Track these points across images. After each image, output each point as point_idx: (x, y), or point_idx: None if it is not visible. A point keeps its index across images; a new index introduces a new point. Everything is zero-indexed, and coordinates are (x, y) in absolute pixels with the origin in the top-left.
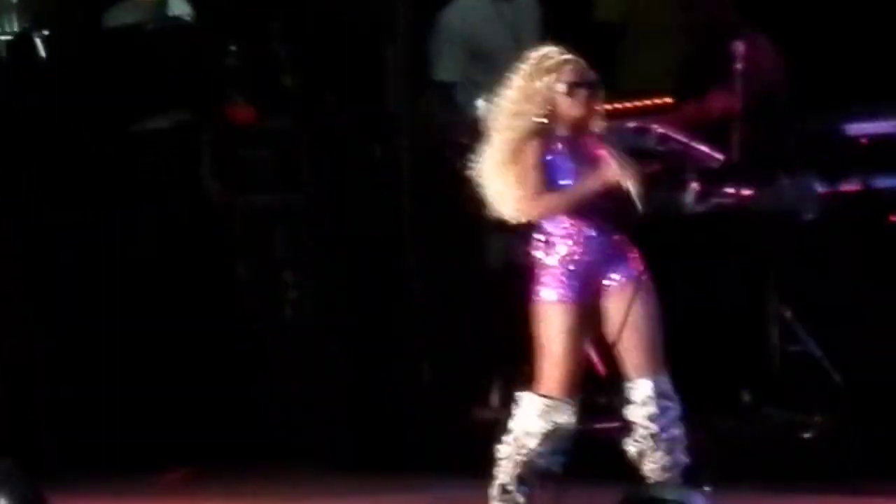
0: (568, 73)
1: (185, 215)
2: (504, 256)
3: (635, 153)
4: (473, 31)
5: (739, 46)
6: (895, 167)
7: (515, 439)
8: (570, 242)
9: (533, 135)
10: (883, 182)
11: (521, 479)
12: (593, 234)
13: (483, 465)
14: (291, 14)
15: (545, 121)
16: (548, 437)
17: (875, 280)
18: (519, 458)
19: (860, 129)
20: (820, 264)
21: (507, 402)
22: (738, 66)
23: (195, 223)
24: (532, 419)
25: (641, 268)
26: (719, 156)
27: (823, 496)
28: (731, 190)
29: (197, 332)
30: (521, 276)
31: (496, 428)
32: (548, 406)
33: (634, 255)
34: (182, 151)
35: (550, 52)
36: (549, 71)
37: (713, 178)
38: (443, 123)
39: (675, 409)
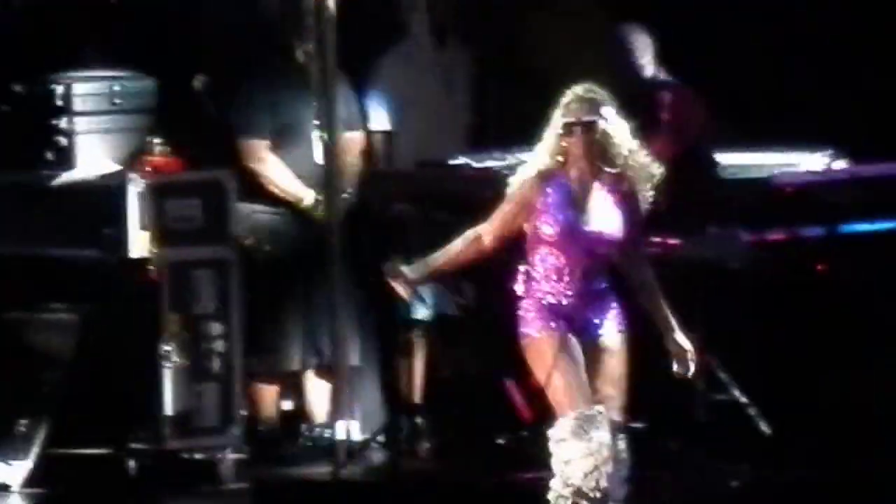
0: (567, 112)
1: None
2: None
3: None
4: (407, 78)
5: (666, 96)
6: (821, 216)
7: (561, 476)
8: (554, 279)
9: (538, 176)
10: (809, 231)
11: None
12: (578, 278)
13: None
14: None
15: (549, 161)
16: (590, 455)
17: (802, 328)
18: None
19: (786, 178)
20: (746, 313)
21: (435, 451)
22: (666, 115)
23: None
24: (569, 445)
25: (622, 319)
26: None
27: None
28: (657, 239)
29: None
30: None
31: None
32: (578, 420)
33: (616, 304)
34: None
35: (573, 91)
36: (560, 110)
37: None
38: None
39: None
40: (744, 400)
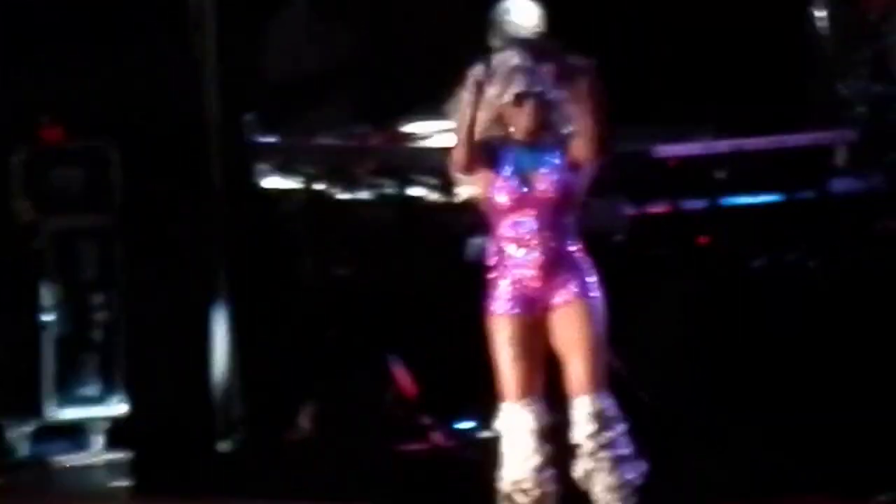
0: (517, 83)
1: None
2: (322, 275)
3: (443, 174)
4: (287, 48)
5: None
6: (703, 189)
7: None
8: (518, 247)
9: (483, 144)
10: (691, 204)
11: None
12: (547, 238)
13: (294, 487)
14: (99, 37)
15: (493, 129)
16: (514, 443)
17: (682, 300)
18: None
19: (668, 150)
20: (627, 284)
21: (318, 423)
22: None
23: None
24: (502, 430)
25: (592, 284)
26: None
27: None
28: None
29: None
30: (338, 297)
31: (307, 448)
32: (504, 411)
33: (587, 269)
34: None
35: (504, 58)
36: (500, 80)
37: None
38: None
39: (617, 427)
40: (624, 369)
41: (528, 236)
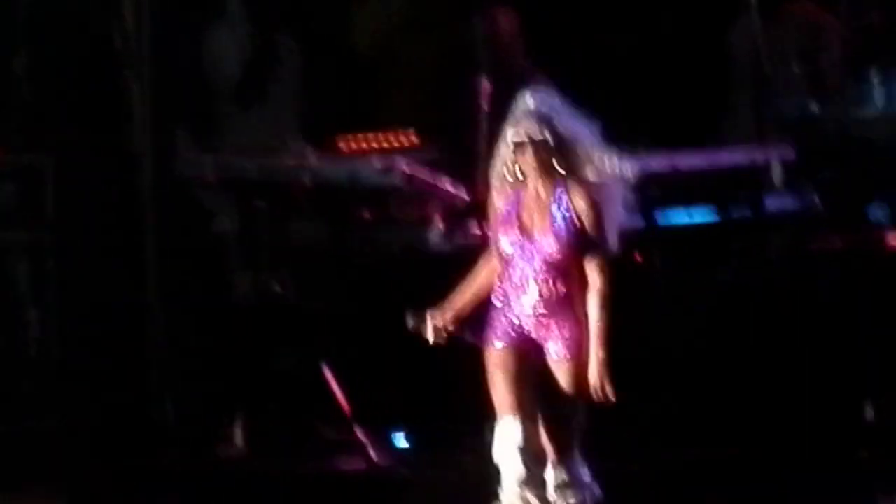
0: (517, 130)
1: None
2: (257, 291)
3: (380, 192)
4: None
5: (484, 84)
6: (638, 207)
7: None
8: (516, 293)
9: (501, 190)
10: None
11: None
12: (546, 286)
13: (228, 502)
14: (34, 50)
15: (507, 176)
16: (507, 458)
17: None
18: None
19: None
20: None
21: (251, 440)
22: (484, 104)
23: None
24: (495, 447)
25: (572, 345)
26: (465, 195)
27: None
28: (476, 229)
29: None
30: (273, 311)
31: (241, 465)
32: (496, 426)
33: (584, 324)
34: None
35: (523, 103)
36: (510, 125)
37: (458, 217)
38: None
39: (579, 492)
40: None
41: (526, 282)
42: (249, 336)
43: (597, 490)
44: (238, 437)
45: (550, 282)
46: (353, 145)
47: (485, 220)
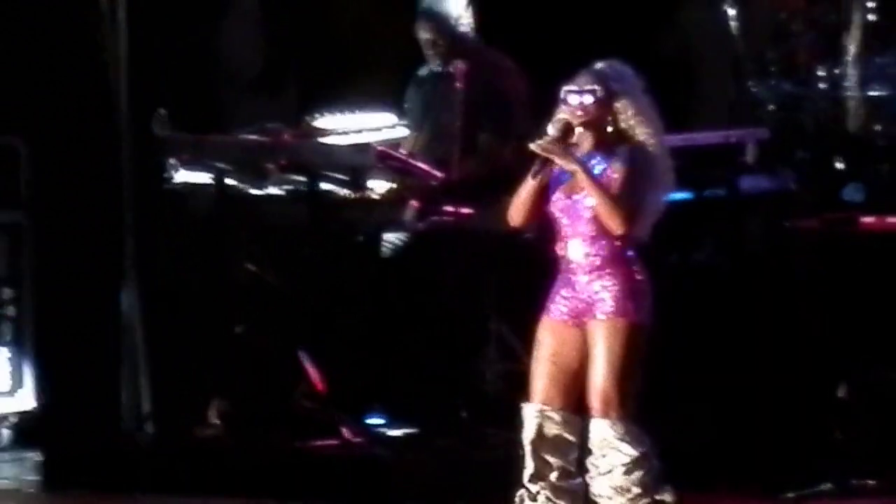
0: (571, 80)
1: None
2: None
3: (354, 171)
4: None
5: (461, 66)
6: None
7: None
8: (566, 254)
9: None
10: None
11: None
12: (575, 247)
13: (203, 483)
14: (10, 34)
15: (557, 133)
16: (532, 444)
17: None
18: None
19: None
20: (537, 282)
21: (227, 420)
22: (459, 85)
23: None
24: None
25: (632, 304)
26: (439, 174)
27: None
28: (450, 208)
29: None
30: (248, 293)
31: (217, 445)
32: (522, 412)
33: (633, 288)
34: None
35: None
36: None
37: (433, 195)
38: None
39: (622, 456)
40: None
41: (576, 240)
42: (225, 316)
43: (654, 461)
44: (214, 417)
45: (597, 238)
46: (328, 125)
47: (460, 198)
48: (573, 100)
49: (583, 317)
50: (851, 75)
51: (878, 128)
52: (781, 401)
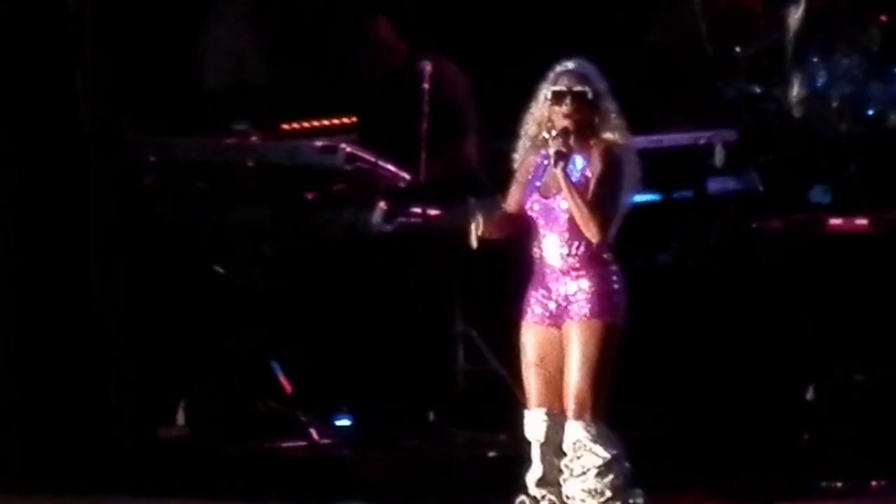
0: (556, 82)
1: None
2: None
3: (322, 172)
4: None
5: (426, 67)
6: None
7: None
8: (542, 256)
9: (532, 150)
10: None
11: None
12: (551, 247)
13: (170, 483)
14: None
15: (544, 135)
16: (542, 449)
17: None
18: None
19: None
20: (505, 283)
21: (193, 421)
22: (426, 86)
23: None
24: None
25: (606, 306)
26: (406, 175)
27: None
28: (418, 209)
29: None
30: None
31: (183, 446)
32: (526, 418)
33: (609, 289)
34: None
35: (562, 65)
36: (548, 82)
37: (400, 197)
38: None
39: (595, 457)
40: (502, 371)
41: (552, 241)
42: (192, 316)
43: (625, 463)
44: (180, 417)
45: (573, 239)
46: (296, 127)
47: (427, 200)
48: (565, 102)
49: (559, 318)
50: (818, 77)
51: (844, 129)
52: (749, 403)
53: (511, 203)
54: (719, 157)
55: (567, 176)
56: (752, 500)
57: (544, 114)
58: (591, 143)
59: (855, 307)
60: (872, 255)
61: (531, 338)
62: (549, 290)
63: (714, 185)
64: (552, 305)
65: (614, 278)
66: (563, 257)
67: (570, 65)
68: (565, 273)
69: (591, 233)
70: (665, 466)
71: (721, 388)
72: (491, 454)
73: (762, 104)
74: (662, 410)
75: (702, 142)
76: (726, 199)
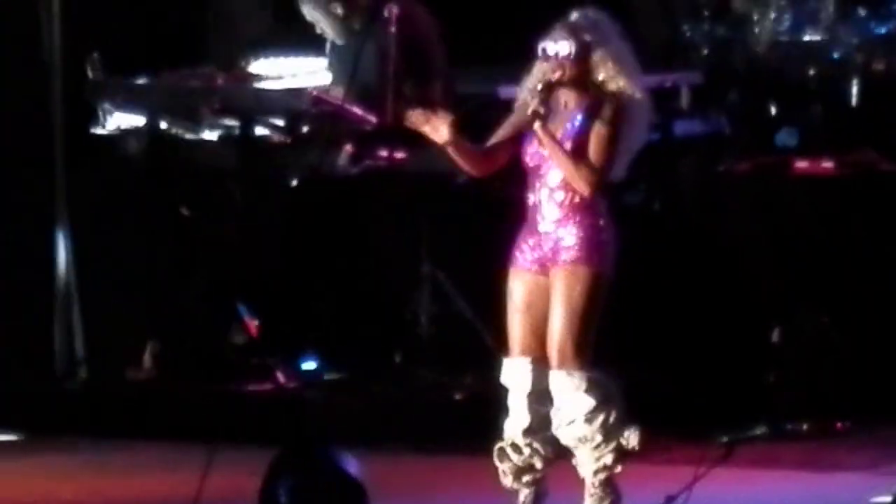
0: (548, 34)
1: None
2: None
3: (288, 115)
4: None
5: (393, 9)
6: None
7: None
8: (535, 205)
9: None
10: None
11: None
12: (545, 195)
13: (137, 425)
14: None
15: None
16: (528, 398)
17: None
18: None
19: (511, 91)
20: (471, 226)
21: (160, 363)
22: (393, 29)
23: None
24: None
25: (594, 255)
26: (373, 118)
27: (474, 456)
28: (384, 152)
29: None
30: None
31: (150, 388)
32: (504, 366)
33: (598, 238)
34: None
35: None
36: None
37: (367, 140)
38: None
39: (581, 405)
40: (469, 313)
41: (546, 193)
42: (158, 259)
43: (615, 406)
44: (147, 360)
45: (565, 186)
46: (262, 69)
47: (394, 143)
48: (550, 56)
49: (547, 264)
50: (785, 18)
51: (811, 72)
52: (714, 345)
53: (492, 139)
54: (685, 99)
55: (547, 133)
56: (717, 442)
57: (540, 67)
58: (590, 93)
59: (821, 250)
60: (838, 198)
61: (519, 284)
62: (539, 236)
63: (680, 127)
64: (540, 252)
65: (603, 226)
66: (555, 206)
67: (572, 16)
68: (556, 221)
69: (579, 187)
70: (630, 410)
71: (686, 331)
72: (457, 396)
73: (728, 46)
74: (627, 353)
75: (667, 84)
76: (693, 142)
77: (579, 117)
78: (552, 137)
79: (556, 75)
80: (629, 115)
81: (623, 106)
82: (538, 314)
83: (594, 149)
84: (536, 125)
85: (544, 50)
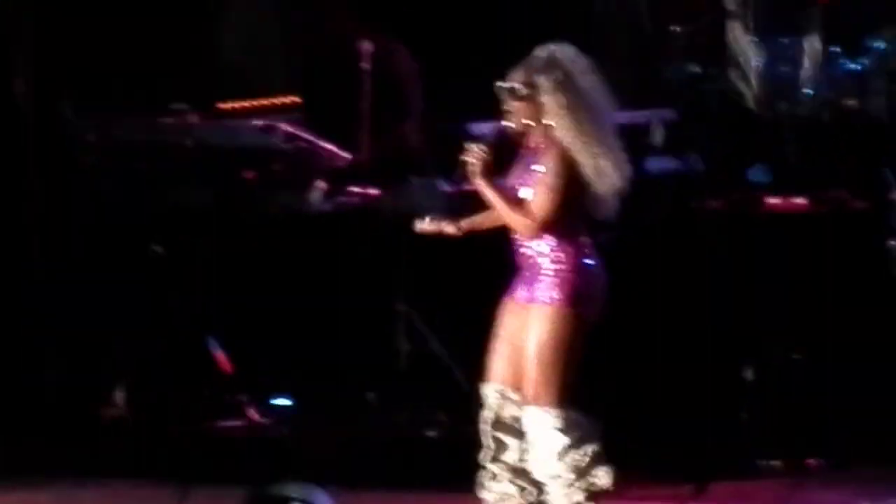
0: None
1: None
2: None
3: (261, 151)
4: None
5: (367, 47)
6: None
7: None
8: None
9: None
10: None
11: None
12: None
13: (109, 464)
14: None
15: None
16: (492, 426)
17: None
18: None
19: (483, 128)
20: (446, 264)
21: (132, 401)
22: (366, 66)
23: None
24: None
25: (557, 294)
26: (346, 155)
27: (446, 494)
28: (357, 189)
29: None
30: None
31: (122, 426)
32: (481, 391)
33: (562, 277)
34: None
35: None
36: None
37: (341, 176)
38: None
39: (552, 442)
40: (442, 351)
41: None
42: (131, 297)
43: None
44: (119, 397)
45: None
46: (235, 107)
47: (368, 180)
48: (504, 98)
49: (528, 301)
50: (756, 56)
51: (783, 108)
52: (688, 382)
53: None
54: (658, 136)
55: (479, 184)
56: (691, 479)
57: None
58: (541, 137)
59: (793, 287)
60: (811, 235)
61: (507, 314)
62: (524, 271)
63: (653, 164)
64: (526, 287)
65: (580, 266)
66: (535, 241)
67: (534, 52)
68: (533, 260)
69: (518, 231)
70: (604, 449)
71: (660, 368)
72: (430, 434)
73: (701, 84)
74: (601, 390)
75: (640, 121)
76: (665, 179)
77: (531, 158)
78: (486, 186)
79: (512, 119)
80: (570, 161)
81: (562, 153)
82: (519, 347)
83: (534, 192)
84: (470, 177)
85: (498, 88)
